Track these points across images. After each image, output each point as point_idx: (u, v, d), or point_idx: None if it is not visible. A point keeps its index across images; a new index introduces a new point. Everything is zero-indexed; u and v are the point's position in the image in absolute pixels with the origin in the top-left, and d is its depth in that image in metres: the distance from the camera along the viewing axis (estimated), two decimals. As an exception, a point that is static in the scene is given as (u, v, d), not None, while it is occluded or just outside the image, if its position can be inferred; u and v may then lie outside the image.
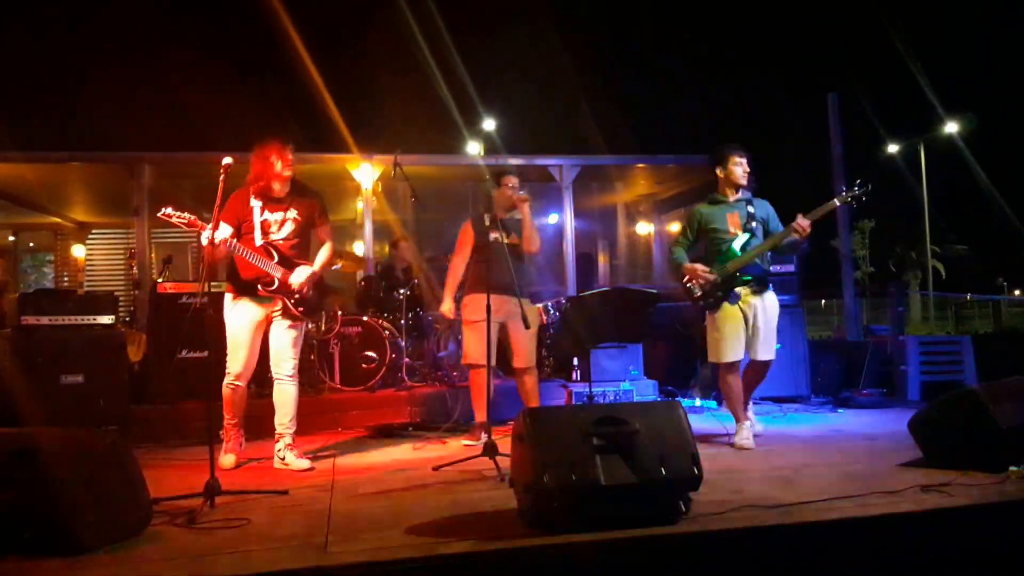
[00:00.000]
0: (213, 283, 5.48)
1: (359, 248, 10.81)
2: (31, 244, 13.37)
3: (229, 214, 4.39)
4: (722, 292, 4.81)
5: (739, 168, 4.91)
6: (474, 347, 5.08)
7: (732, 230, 4.86)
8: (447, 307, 5.26)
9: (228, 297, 4.49)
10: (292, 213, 4.52)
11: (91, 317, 5.63)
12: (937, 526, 3.09)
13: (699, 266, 4.89)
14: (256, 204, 4.44)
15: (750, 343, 4.83)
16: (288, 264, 4.45)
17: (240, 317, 4.42)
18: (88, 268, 12.13)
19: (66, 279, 12.43)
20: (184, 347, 5.86)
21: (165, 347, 5.93)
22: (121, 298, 8.30)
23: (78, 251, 12.24)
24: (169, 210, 4.18)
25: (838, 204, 4.72)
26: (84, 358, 5.49)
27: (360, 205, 9.38)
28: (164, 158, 8.53)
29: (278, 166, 4.39)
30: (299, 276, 4.44)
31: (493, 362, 5.03)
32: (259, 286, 4.38)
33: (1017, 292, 34.48)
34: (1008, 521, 3.17)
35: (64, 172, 9.06)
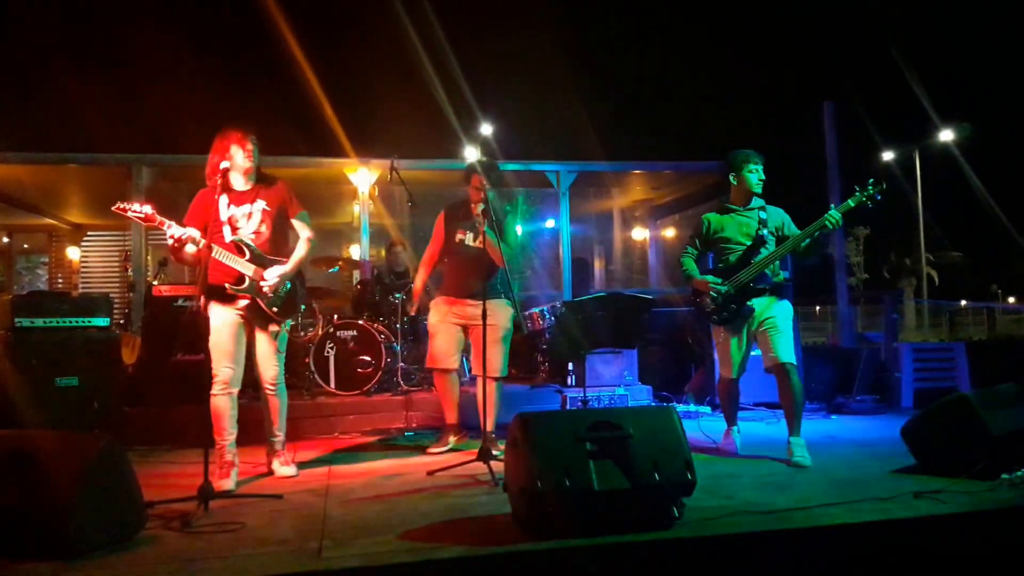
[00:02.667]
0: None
1: (355, 252, 10.82)
2: (25, 245, 13.36)
3: (193, 217, 4.13)
4: (735, 305, 4.62)
5: (754, 176, 4.67)
6: (434, 350, 5.06)
7: (743, 240, 4.67)
8: (414, 308, 5.33)
9: (208, 302, 4.19)
10: (260, 204, 4.27)
11: (86, 320, 5.62)
12: (930, 533, 3.11)
13: (709, 280, 4.68)
14: (222, 200, 4.18)
15: (763, 348, 4.62)
16: (261, 261, 4.21)
17: (217, 321, 4.15)
18: (83, 270, 12.12)
19: (60, 281, 12.42)
20: (179, 350, 5.85)
21: (160, 350, 5.92)
22: (116, 301, 8.30)
23: (73, 253, 12.23)
24: (124, 204, 3.96)
25: (853, 205, 4.42)
26: (78, 361, 5.46)
27: (357, 209, 9.40)
28: (161, 160, 8.53)
29: (239, 157, 4.16)
30: (270, 276, 4.18)
31: (456, 365, 5.06)
32: (226, 285, 4.11)
33: (1011, 300, 34.63)
34: (1001, 529, 3.19)
35: (60, 173, 9.06)
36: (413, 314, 5.26)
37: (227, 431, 4.16)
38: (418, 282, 5.22)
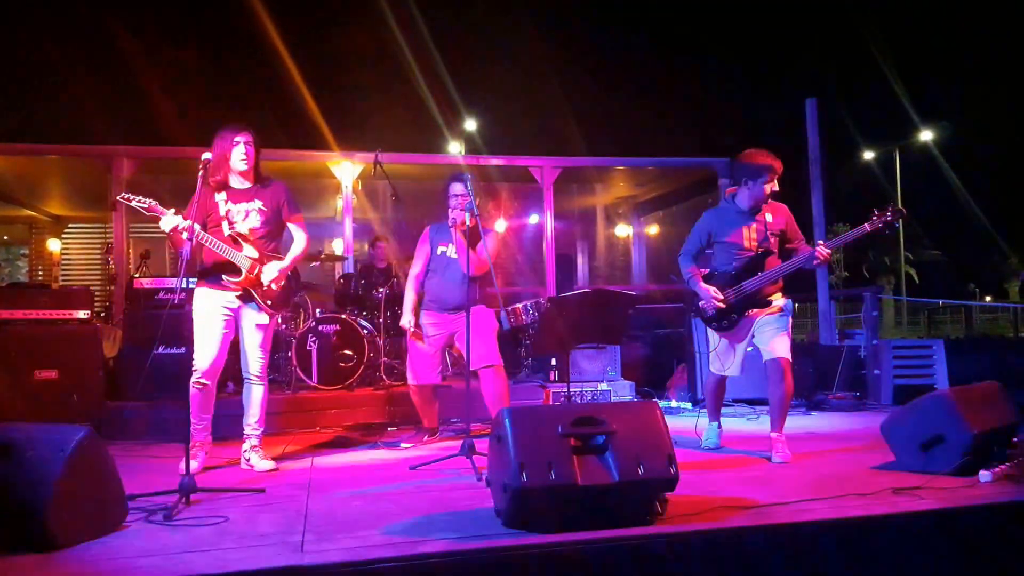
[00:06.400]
0: (191, 278, 5.42)
1: (338, 246, 10.78)
2: (5, 237, 13.21)
3: (193, 210, 4.18)
4: (736, 315, 4.58)
5: (769, 187, 4.51)
6: (413, 366, 5.10)
7: (748, 245, 4.56)
8: (405, 320, 5.07)
9: (196, 291, 4.32)
10: (257, 203, 4.35)
11: (66, 312, 5.58)
12: (909, 528, 3.14)
13: (712, 289, 4.57)
14: (220, 197, 4.29)
15: (760, 343, 4.57)
16: (257, 256, 4.31)
17: (205, 310, 4.24)
18: (64, 262, 12.00)
19: (40, 273, 12.29)
20: (160, 343, 5.81)
21: (141, 343, 5.87)
22: (97, 293, 8.23)
23: (53, 245, 12.10)
24: (128, 195, 4.04)
25: (868, 230, 4.38)
26: (58, 353, 5.43)
27: (340, 203, 9.36)
28: (143, 153, 8.45)
29: (235, 159, 4.26)
30: (270, 272, 4.30)
31: (437, 380, 5.11)
32: (223, 276, 4.23)
33: (988, 298, 35.00)
34: (977, 524, 3.23)
35: (40, 165, 8.96)
36: (412, 327, 5.06)
37: (200, 417, 4.27)
38: (409, 302, 5.12)
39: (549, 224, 9.32)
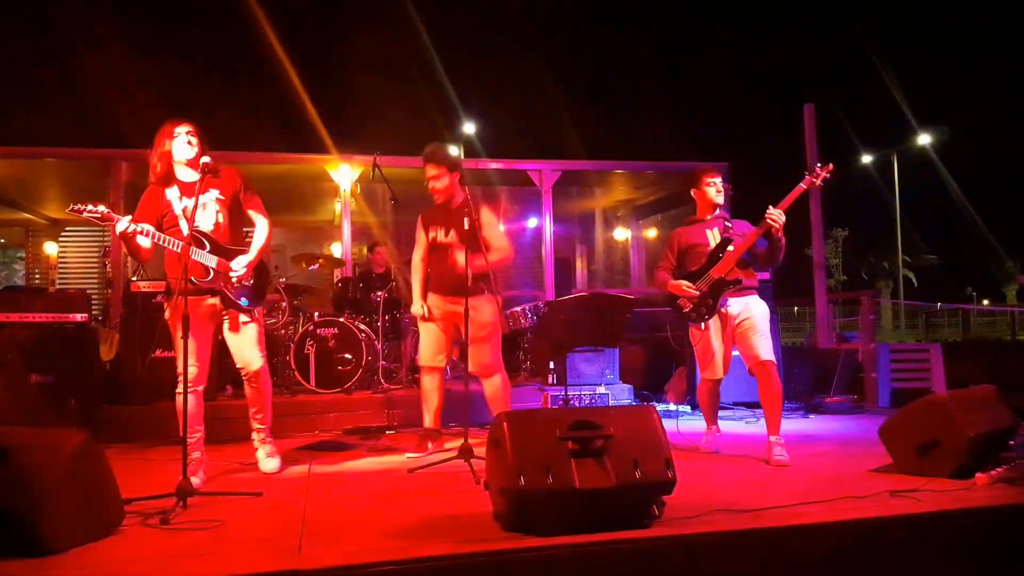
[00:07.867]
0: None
1: (336, 250, 10.78)
2: (2, 240, 13.21)
3: (144, 213, 3.99)
4: (712, 301, 4.69)
5: (712, 188, 4.87)
6: (420, 347, 5.02)
7: (712, 241, 4.79)
8: (415, 308, 4.98)
9: (168, 300, 4.08)
10: (213, 193, 4.13)
11: (63, 315, 5.56)
12: (905, 531, 3.14)
13: (683, 282, 4.78)
14: (171, 194, 4.05)
15: (742, 349, 4.68)
16: (222, 252, 4.11)
17: (182, 317, 3.93)
18: (60, 266, 11.98)
19: (37, 276, 12.28)
20: (157, 346, 5.80)
21: (138, 346, 5.86)
22: (94, 297, 8.22)
23: (50, 248, 12.10)
24: (78, 205, 3.78)
25: (804, 187, 4.50)
26: (55, 357, 5.41)
27: (338, 207, 9.36)
28: (141, 156, 8.43)
29: (178, 148, 4.05)
30: (238, 266, 4.11)
31: (442, 364, 4.96)
32: (193, 279, 3.96)
33: (986, 302, 35.05)
34: (974, 527, 3.23)
35: (37, 168, 8.96)
36: (425, 312, 4.94)
37: (194, 428, 4.04)
38: (416, 288, 5.02)
39: (548, 228, 9.33)
